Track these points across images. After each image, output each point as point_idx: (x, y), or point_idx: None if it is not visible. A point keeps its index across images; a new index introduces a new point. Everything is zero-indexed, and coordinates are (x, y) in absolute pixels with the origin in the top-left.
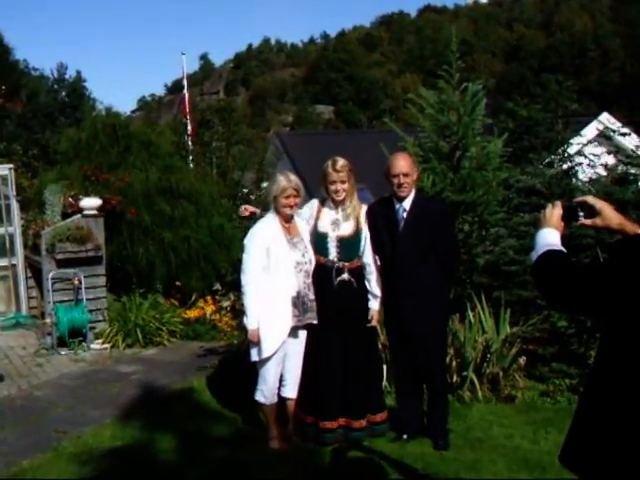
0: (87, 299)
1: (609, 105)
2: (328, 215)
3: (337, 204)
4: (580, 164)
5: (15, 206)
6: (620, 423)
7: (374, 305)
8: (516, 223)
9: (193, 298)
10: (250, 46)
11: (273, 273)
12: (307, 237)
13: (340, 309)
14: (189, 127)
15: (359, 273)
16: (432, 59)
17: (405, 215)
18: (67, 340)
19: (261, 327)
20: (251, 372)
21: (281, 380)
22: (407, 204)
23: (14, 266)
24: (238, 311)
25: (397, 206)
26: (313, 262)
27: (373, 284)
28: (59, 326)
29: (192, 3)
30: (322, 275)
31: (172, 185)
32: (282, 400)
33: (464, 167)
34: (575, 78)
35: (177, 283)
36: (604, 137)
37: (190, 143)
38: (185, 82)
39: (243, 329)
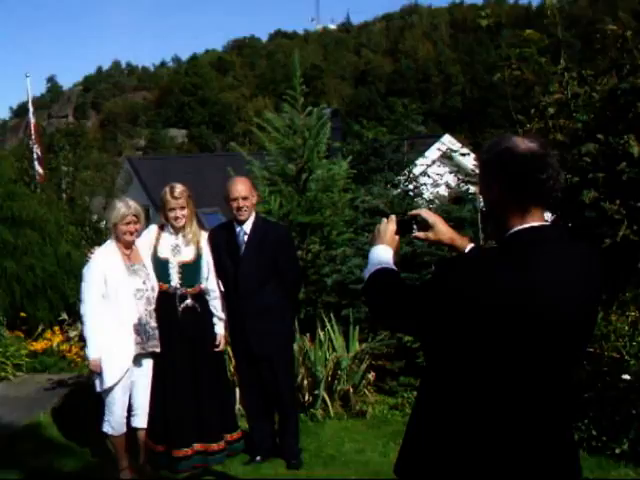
0: None
1: (452, 127)
2: (168, 240)
3: (177, 230)
4: (424, 184)
5: None
6: (444, 437)
7: (220, 329)
8: (362, 243)
9: (40, 329)
10: (100, 69)
11: (112, 301)
12: (149, 262)
13: (186, 335)
14: (37, 152)
15: (202, 298)
16: (283, 83)
17: (246, 238)
18: None
19: (103, 356)
20: (99, 404)
21: (130, 410)
22: (247, 227)
23: None
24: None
25: (238, 229)
26: (156, 289)
27: (218, 308)
28: None
29: (37, 25)
30: (165, 302)
31: (14, 213)
32: (132, 430)
33: (310, 189)
34: (420, 101)
35: (22, 314)
36: (446, 157)
37: (39, 169)
38: (30, 105)
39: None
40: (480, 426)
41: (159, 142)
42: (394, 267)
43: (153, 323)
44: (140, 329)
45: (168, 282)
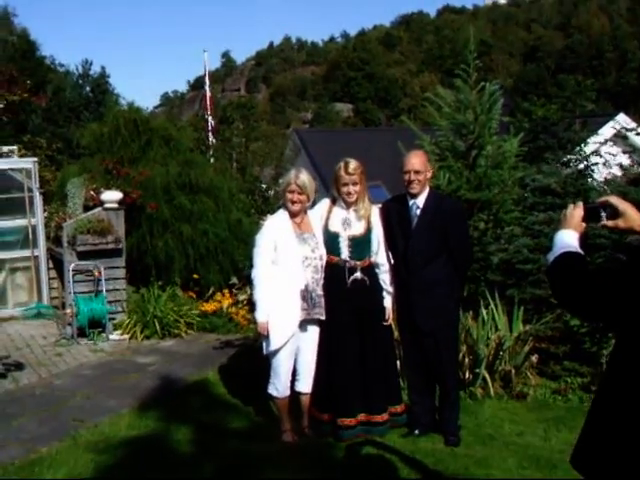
0: (107, 290)
1: (626, 106)
2: (339, 214)
3: (349, 204)
4: (596, 164)
5: (38, 198)
6: (632, 430)
7: (388, 303)
8: (530, 222)
9: (210, 291)
10: (271, 44)
11: (281, 267)
12: (320, 234)
13: (354, 308)
14: (211, 123)
15: (371, 272)
16: (450, 59)
17: (418, 212)
18: (87, 330)
19: (270, 320)
20: (265, 366)
21: (294, 374)
22: (420, 201)
23: (36, 257)
24: (254, 304)
25: (411, 203)
26: (324, 258)
27: (387, 282)
28: (79, 317)
29: (213, 3)
30: (335, 274)
31: (192, 180)
32: (295, 394)
33: (480, 165)
34: (592, 79)
35: (195, 276)
36: (620, 137)
37: (211, 139)
38: (207, 79)
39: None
40: None
41: (325, 116)
42: (580, 251)
43: (319, 291)
44: (306, 295)
45: (338, 255)
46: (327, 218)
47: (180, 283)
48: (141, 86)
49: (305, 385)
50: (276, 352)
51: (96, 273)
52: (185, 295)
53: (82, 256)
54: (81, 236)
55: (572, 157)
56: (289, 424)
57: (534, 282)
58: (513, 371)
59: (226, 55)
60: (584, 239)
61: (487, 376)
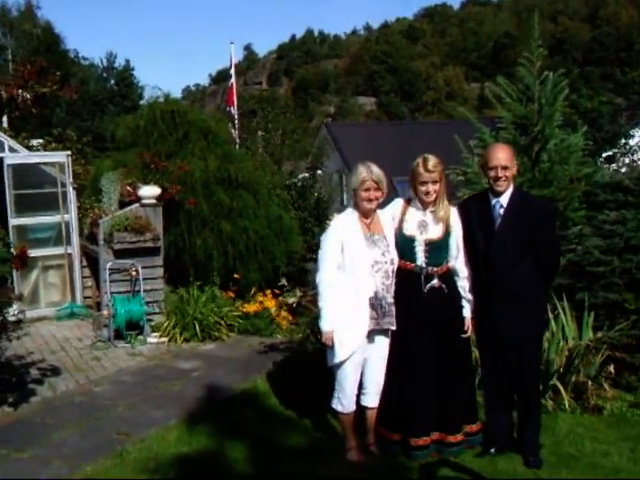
0: (144, 291)
1: None
2: (415, 216)
3: (426, 205)
4: None
5: (72, 194)
6: None
7: (467, 312)
8: (601, 221)
9: (252, 291)
10: (293, 37)
11: (348, 271)
12: (391, 235)
13: (431, 317)
14: (236, 116)
15: (449, 278)
16: (475, 52)
17: (502, 211)
18: (124, 333)
19: (336, 329)
20: (317, 374)
21: (360, 388)
22: (504, 199)
23: (70, 255)
24: (304, 307)
25: (493, 202)
26: (395, 262)
27: (466, 289)
28: (117, 318)
29: None
30: (410, 281)
31: (231, 174)
32: (361, 409)
33: (543, 161)
34: (620, 71)
35: (236, 276)
36: None
37: (236, 133)
38: (233, 71)
39: (308, 327)
40: None
41: (348, 109)
42: None
43: (390, 299)
44: (376, 303)
45: (413, 260)
46: (401, 220)
47: (219, 283)
48: (163, 80)
49: (372, 400)
50: (341, 364)
51: (133, 273)
52: (224, 295)
53: (119, 254)
54: (118, 234)
55: (618, 151)
56: (354, 441)
57: (606, 285)
58: (590, 383)
59: (248, 48)
60: None
61: (561, 387)
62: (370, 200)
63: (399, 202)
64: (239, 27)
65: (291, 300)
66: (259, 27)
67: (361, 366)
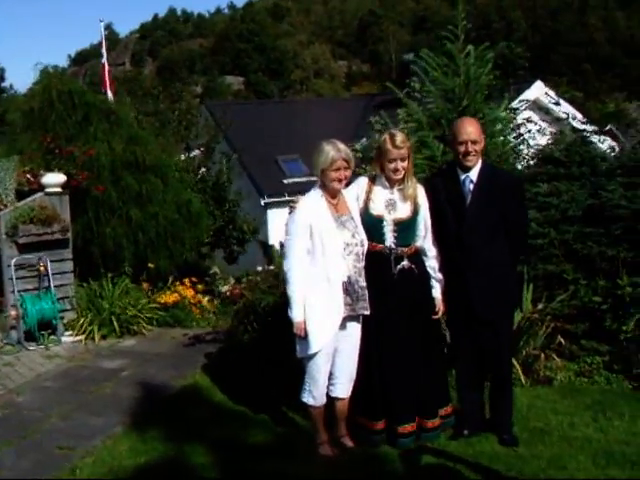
0: (54, 286)
1: (515, 75)
2: (382, 195)
3: (393, 183)
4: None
5: None
6: None
7: (437, 293)
8: (534, 194)
9: (170, 281)
10: (156, 16)
11: (318, 256)
12: (357, 215)
13: (402, 300)
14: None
15: (418, 259)
16: (340, 29)
17: (472, 187)
18: (36, 334)
19: (308, 319)
20: (261, 365)
21: (330, 378)
22: (474, 175)
23: None
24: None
25: (463, 177)
26: (365, 244)
27: (436, 269)
28: (27, 318)
29: None
30: (378, 264)
31: (138, 158)
32: (330, 400)
33: None
34: (507, 47)
35: (150, 265)
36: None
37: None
38: (104, 50)
39: (241, 317)
40: None
41: (216, 89)
42: None
43: (362, 282)
44: (350, 288)
45: (382, 242)
46: (367, 200)
47: (131, 273)
48: (17, 64)
49: (344, 390)
50: (313, 355)
51: (41, 268)
52: (138, 287)
53: (24, 249)
54: (23, 226)
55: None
56: (326, 435)
57: (545, 257)
58: (542, 355)
59: (109, 28)
60: (600, 209)
61: (514, 361)
62: (340, 180)
63: (363, 180)
64: (97, 5)
65: (225, 288)
66: (118, 5)
67: (332, 356)
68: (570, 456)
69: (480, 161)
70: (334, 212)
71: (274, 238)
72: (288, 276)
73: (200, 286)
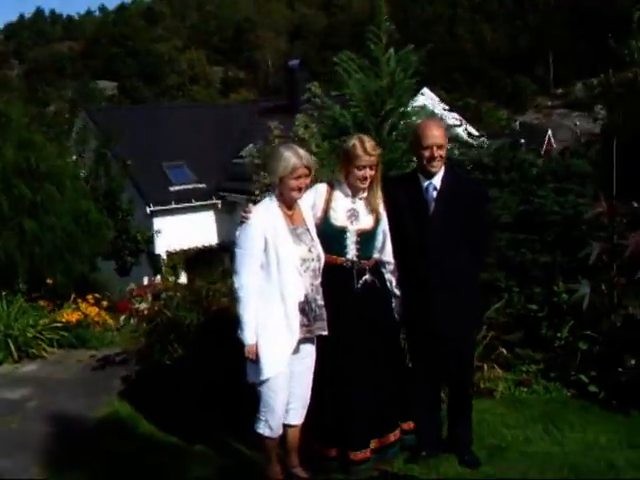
0: None
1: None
2: (343, 204)
3: (356, 191)
4: None
5: None
6: None
7: (398, 307)
8: None
9: (72, 298)
10: (22, 16)
11: (273, 272)
12: (313, 226)
13: (364, 315)
14: None
15: (378, 272)
16: (215, 35)
17: (436, 194)
18: None
19: (261, 341)
20: (186, 389)
21: None
22: (437, 181)
23: None
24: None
25: (425, 184)
26: (322, 259)
27: (394, 283)
28: None
29: None
30: (339, 278)
31: (31, 164)
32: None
33: (393, 141)
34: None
35: (48, 281)
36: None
37: None
38: None
39: (156, 336)
40: None
41: (88, 94)
42: None
43: (320, 301)
44: (306, 308)
45: (344, 254)
46: (326, 209)
47: (26, 290)
48: None
49: (297, 416)
50: (268, 381)
51: None
52: (37, 305)
53: None
54: None
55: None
56: (279, 467)
57: None
58: (485, 366)
59: None
60: (533, 214)
61: None
62: (300, 189)
63: (322, 187)
64: None
65: (142, 306)
66: None
67: (289, 380)
68: (539, 473)
69: (443, 167)
70: (289, 224)
71: (161, 248)
72: (240, 294)
73: (104, 302)
